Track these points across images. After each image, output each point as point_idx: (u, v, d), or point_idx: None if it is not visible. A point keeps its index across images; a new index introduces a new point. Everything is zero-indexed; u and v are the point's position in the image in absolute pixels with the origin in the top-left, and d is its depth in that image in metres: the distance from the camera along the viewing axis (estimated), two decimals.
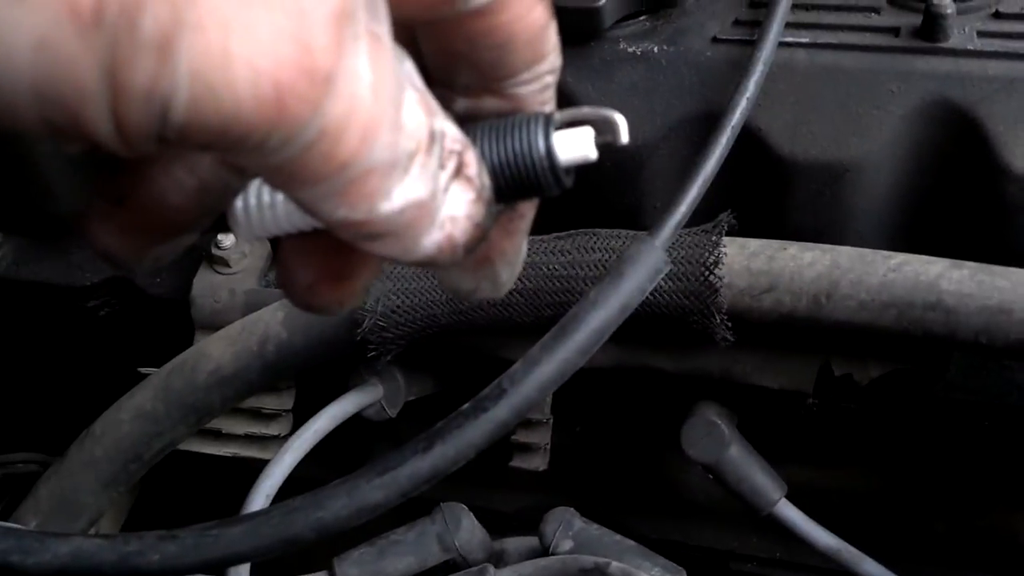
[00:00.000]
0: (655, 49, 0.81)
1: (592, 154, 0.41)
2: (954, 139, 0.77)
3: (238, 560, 0.52)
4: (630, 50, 0.82)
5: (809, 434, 0.90)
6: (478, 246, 0.39)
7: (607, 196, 0.82)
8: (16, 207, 0.99)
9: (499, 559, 0.83)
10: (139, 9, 0.30)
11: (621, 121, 0.42)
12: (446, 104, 0.40)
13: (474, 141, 0.41)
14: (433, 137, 0.37)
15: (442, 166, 0.37)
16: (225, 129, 0.32)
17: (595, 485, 0.98)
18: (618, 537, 0.81)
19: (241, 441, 0.92)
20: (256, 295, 0.89)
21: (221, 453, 0.93)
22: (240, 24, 0.31)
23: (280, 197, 0.42)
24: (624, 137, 0.42)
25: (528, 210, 0.47)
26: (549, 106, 0.44)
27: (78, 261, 0.98)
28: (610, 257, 0.77)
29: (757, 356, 0.81)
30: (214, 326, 0.88)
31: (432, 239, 0.38)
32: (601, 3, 0.80)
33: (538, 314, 0.79)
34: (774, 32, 0.76)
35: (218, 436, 0.92)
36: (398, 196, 0.36)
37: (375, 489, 0.52)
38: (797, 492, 0.83)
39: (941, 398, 0.81)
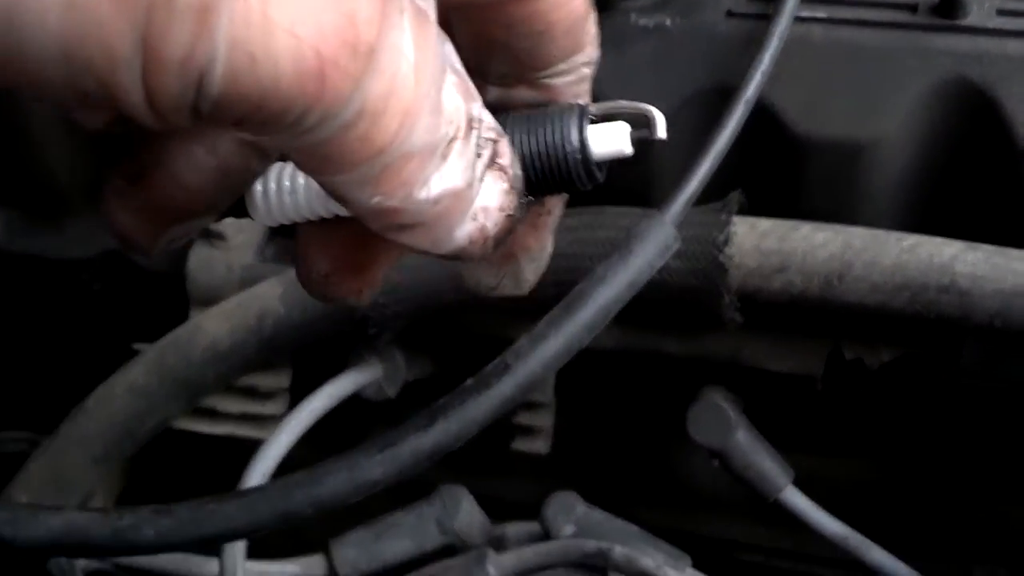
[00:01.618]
0: (668, 22, 0.80)
1: (627, 149, 0.41)
2: (971, 119, 0.75)
3: (234, 536, 0.50)
4: (642, 23, 0.80)
5: (817, 421, 0.89)
6: (507, 239, 0.38)
7: (616, 172, 0.80)
8: (10, 178, 0.97)
9: (499, 544, 0.81)
10: None
11: (659, 116, 0.41)
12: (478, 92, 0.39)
13: (506, 131, 0.39)
14: (471, 123, 0.35)
15: (478, 154, 0.36)
16: (263, 102, 0.30)
17: (598, 472, 0.96)
18: (621, 523, 0.80)
19: (236, 420, 0.91)
20: (253, 270, 0.87)
21: (216, 432, 0.91)
22: None
23: (301, 182, 0.41)
24: (661, 133, 0.41)
25: (556, 206, 0.46)
26: (584, 98, 0.43)
27: (72, 234, 0.97)
28: (618, 235, 0.75)
29: (766, 339, 0.80)
30: (210, 301, 0.86)
31: (464, 231, 0.36)
32: None
33: (543, 292, 0.77)
34: (790, 6, 0.75)
35: (213, 415, 0.90)
36: (436, 184, 0.34)
37: (375, 465, 0.51)
38: (804, 480, 0.82)
39: (953, 384, 0.80)
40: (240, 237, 0.89)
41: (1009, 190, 0.75)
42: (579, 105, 0.41)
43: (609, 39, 0.80)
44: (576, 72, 0.42)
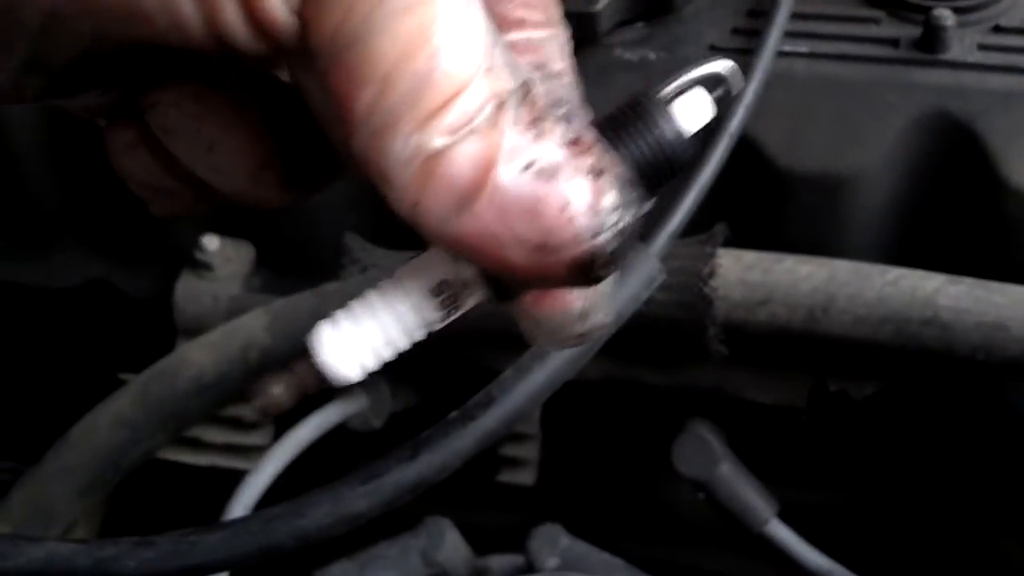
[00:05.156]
0: (652, 56, 0.80)
1: (712, 112, 0.40)
2: (952, 152, 0.76)
3: (216, 568, 0.50)
4: (626, 57, 0.81)
5: (802, 453, 0.89)
6: (624, 245, 0.33)
7: None
8: None
9: None
10: None
11: (730, 69, 0.40)
12: None
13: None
14: (527, 86, 0.33)
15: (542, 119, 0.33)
16: None
17: (584, 503, 0.96)
18: (606, 555, 0.80)
19: (221, 450, 0.90)
20: (240, 301, 0.87)
21: (200, 463, 0.91)
22: None
23: (376, 311, 0.38)
24: (738, 83, 0.40)
25: None
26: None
27: (58, 263, 0.96)
28: None
29: (751, 371, 0.80)
30: (196, 331, 0.86)
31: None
32: (598, 8, 0.79)
33: None
34: (773, 41, 0.75)
35: (197, 445, 0.90)
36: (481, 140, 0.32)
37: (359, 497, 0.51)
38: (789, 512, 0.81)
39: (936, 417, 0.80)
40: (227, 268, 0.89)
41: (990, 222, 0.76)
42: (651, 92, 0.39)
43: (594, 72, 0.81)
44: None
